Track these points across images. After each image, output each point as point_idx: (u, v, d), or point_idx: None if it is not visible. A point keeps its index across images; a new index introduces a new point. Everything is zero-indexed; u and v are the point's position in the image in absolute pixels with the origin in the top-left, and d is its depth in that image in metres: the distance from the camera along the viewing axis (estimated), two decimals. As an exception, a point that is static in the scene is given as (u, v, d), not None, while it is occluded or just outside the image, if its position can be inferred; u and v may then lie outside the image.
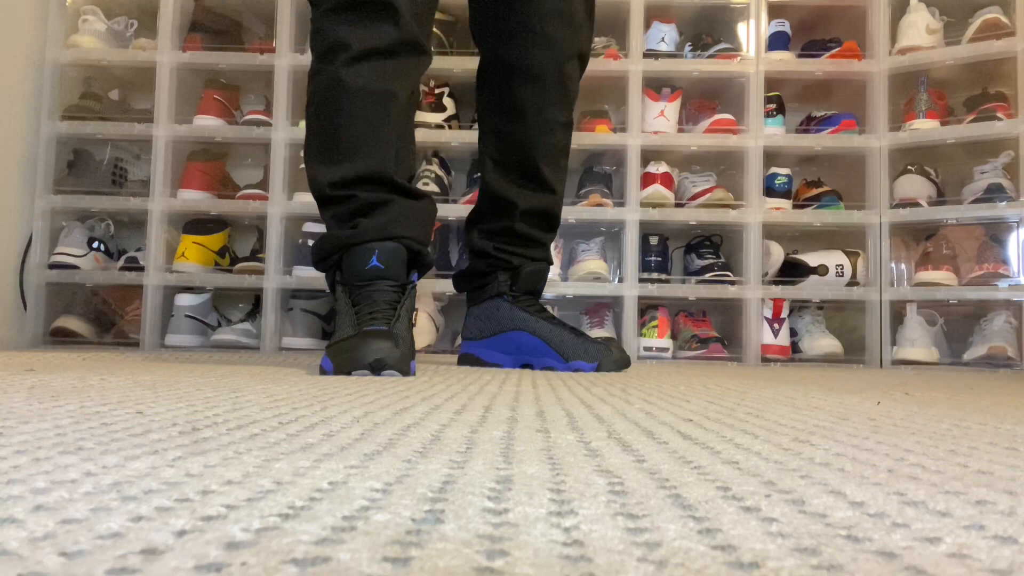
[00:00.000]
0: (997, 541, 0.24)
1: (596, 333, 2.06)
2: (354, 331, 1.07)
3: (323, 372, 1.06)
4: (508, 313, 1.41)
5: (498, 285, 1.43)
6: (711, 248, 2.19)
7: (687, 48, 2.19)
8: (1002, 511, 0.29)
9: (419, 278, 1.23)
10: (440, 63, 2.03)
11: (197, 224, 2.10)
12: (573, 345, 1.33)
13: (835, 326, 2.14)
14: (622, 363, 1.33)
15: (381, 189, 1.19)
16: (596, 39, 2.20)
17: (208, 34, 2.14)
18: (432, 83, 2.14)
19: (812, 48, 2.20)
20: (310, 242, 2.01)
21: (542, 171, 1.41)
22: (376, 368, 1.00)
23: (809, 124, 2.22)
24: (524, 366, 1.40)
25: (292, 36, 2.10)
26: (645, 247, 2.13)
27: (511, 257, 1.43)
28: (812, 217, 2.11)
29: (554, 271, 2.15)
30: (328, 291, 1.32)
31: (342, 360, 1.03)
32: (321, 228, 1.38)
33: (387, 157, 1.19)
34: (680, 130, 2.16)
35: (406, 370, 1.03)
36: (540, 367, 1.37)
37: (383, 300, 1.13)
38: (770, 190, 2.12)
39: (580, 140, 2.14)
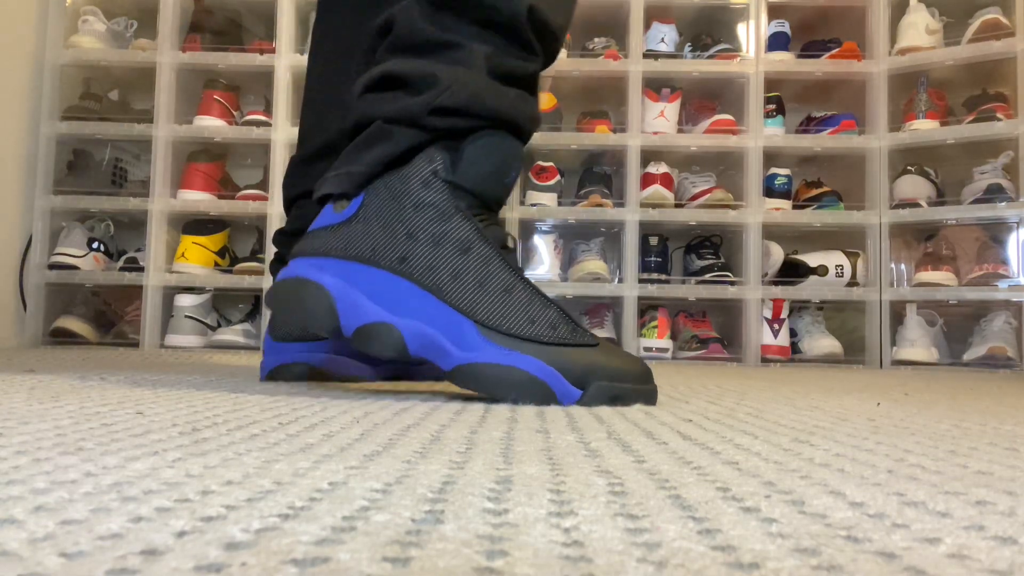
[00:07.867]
0: (997, 542, 0.24)
1: (596, 334, 2.06)
2: (565, 322, 0.67)
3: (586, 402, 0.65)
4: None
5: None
6: (711, 248, 2.19)
7: (687, 48, 2.19)
8: (1002, 512, 0.29)
9: None
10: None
11: (197, 224, 2.10)
12: None
13: (835, 326, 2.14)
14: None
15: None
16: (596, 39, 2.20)
17: (208, 34, 2.14)
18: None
19: (812, 48, 2.20)
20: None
21: None
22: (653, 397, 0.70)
23: (809, 124, 2.22)
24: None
25: (292, 36, 2.10)
26: (645, 247, 2.13)
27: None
28: (812, 217, 2.11)
29: (554, 271, 2.15)
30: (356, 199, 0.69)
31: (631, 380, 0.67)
32: None
33: None
34: (680, 130, 2.16)
35: None
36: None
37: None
38: (770, 190, 2.12)
39: (580, 140, 2.14)
